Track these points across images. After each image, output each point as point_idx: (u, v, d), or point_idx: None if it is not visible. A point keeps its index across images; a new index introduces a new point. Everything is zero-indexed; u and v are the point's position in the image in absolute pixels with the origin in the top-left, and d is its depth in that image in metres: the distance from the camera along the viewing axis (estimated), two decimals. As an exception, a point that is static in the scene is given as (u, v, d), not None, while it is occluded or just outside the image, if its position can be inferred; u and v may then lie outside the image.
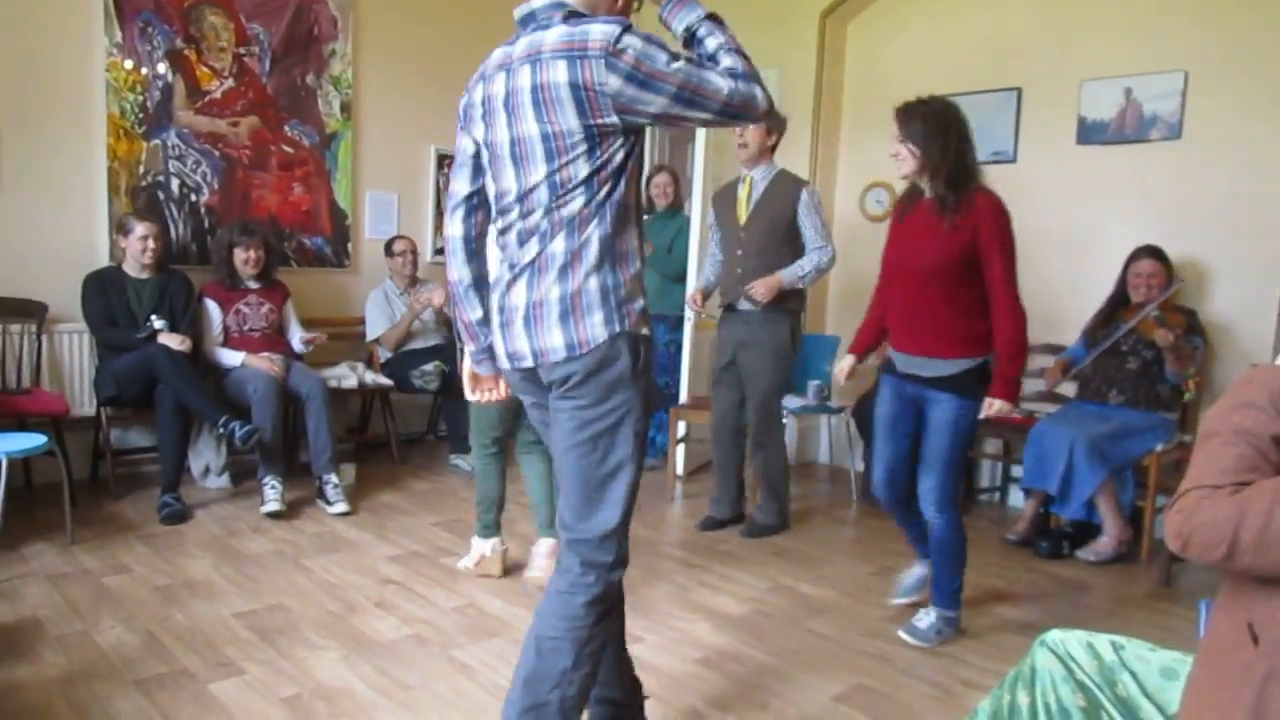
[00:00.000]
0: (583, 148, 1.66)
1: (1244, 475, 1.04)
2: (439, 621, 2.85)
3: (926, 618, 2.88)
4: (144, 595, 2.96)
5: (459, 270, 1.94)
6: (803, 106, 5.12)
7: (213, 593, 3.01)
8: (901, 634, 2.87)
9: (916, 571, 3.16)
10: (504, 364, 1.86)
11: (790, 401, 4.56)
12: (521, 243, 1.75)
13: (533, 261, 1.72)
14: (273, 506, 3.84)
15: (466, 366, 2.08)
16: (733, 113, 1.64)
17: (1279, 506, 0.98)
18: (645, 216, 5.13)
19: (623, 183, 1.71)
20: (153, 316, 4.02)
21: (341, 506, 3.94)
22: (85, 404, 4.21)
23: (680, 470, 4.75)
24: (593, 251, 1.69)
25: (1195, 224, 3.98)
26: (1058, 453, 3.74)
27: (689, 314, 4.67)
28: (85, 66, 4.20)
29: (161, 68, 4.40)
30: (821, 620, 3.00)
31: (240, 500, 4.09)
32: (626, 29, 1.66)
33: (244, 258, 4.27)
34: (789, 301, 3.82)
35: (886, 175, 5.06)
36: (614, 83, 1.60)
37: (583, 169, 1.67)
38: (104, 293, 4.03)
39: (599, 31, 1.64)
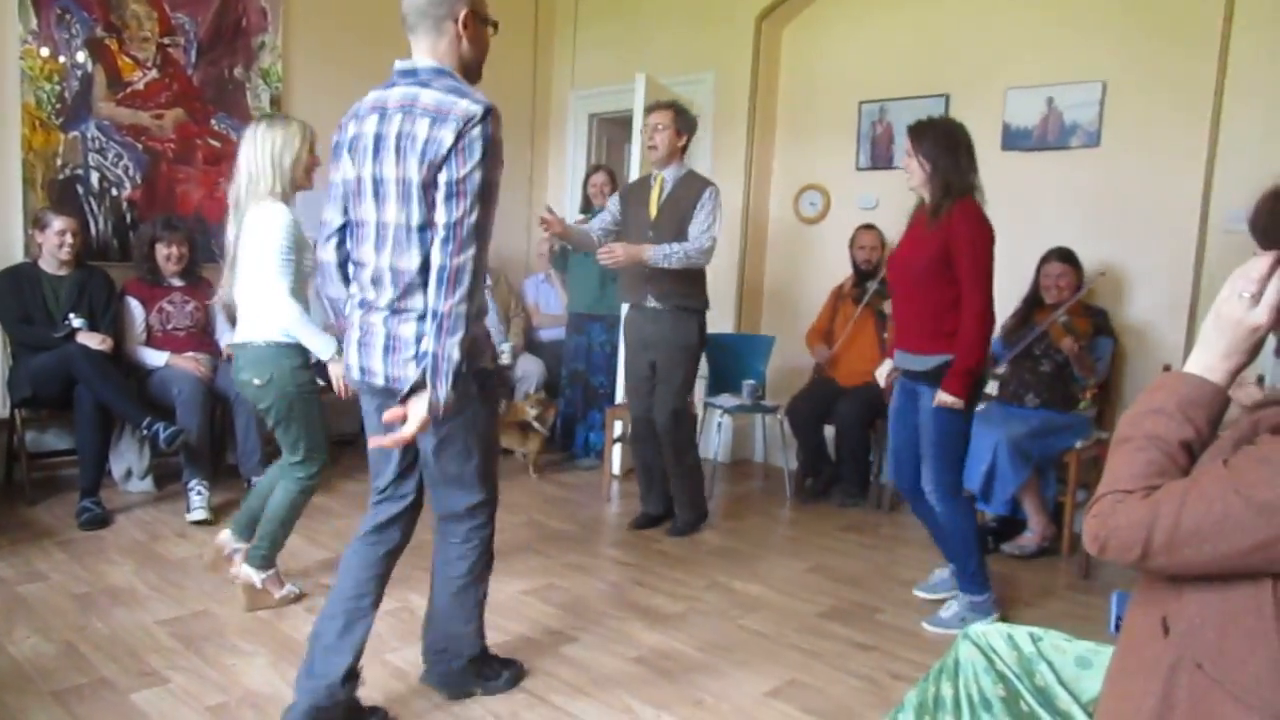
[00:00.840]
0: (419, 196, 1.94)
1: (1154, 479, 1.09)
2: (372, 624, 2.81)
3: (951, 607, 3.07)
4: (61, 603, 2.85)
5: (338, 290, 2.21)
6: (738, 109, 5.17)
7: (135, 600, 2.92)
8: (925, 625, 3.04)
9: (938, 574, 3.38)
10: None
11: (725, 400, 4.61)
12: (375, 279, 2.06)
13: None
14: (199, 515, 3.73)
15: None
16: (461, 234, 1.91)
17: (1185, 509, 1.03)
18: (581, 216, 5.14)
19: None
20: (71, 314, 3.88)
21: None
22: (-2, 405, 4.05)
23: (616, 470, 4.77)
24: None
25: (1113, 228, 4.13)
26: (981, 451, 3.84)
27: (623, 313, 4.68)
28: (-2, 54, 4.03)
29: (80, 56, 4.24)
30: (755, 617, 3.04)
31: (164, 504, 3.98)
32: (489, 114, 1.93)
33: (166, 254, 4.15)
34: (693, 299, 3.84)
35: (820, 178, 5.14)
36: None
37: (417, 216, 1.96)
38: (19, 289, 3.87)
39: (464, 105, 1.91)
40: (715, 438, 4.88)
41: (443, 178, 1.89)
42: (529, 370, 5.22)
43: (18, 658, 2.47)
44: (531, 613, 2.99)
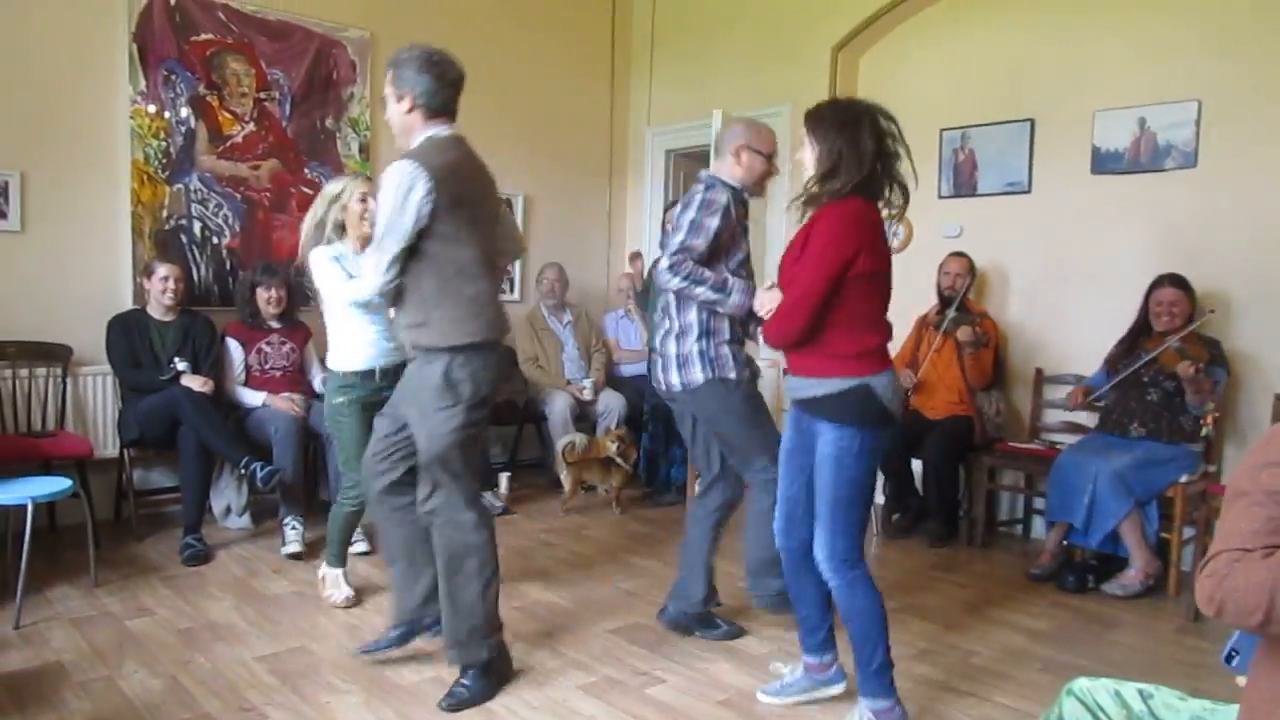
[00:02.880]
0: None
1: (1275, 538, 1.02)
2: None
3: (853, 715, 2.45)
4: (166, 638, 2.97)
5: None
6: (816, 140, 5.15)
7: (234, 635, 3.01)
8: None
9: (789, 672, 2.73)
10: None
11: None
12: None
13: None
14: (294, 548, 3.85)
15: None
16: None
17: None
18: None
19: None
20: (176, 358, 4.07)
21: (362, 546, 3.94)
22: (109, 445, 4.25)
23: (699, 505, 4.73)
24: None
25: (1214, 254, 3.96)
26: (1082, 484, 3.71)
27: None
28: (109, 113, 4.29)
29: (184, 113, 4.48)
30: (845, 658, 2.97)
31: (261, 540, 4.11)
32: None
33: (266, 297, 4.32)
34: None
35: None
36: None
37: None
38: (128, 335, 4.08)
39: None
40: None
41: None
42: (610, 405, 5.25)
43: (127, 692, 2.57)
44: (618, 651, 2.98)
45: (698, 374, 2.87)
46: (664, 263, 2.77)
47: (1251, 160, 3.85)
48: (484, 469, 4.87)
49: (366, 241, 2.90)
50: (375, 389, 3.17)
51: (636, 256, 5.24)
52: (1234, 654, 1.22)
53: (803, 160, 2.42)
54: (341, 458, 3.28)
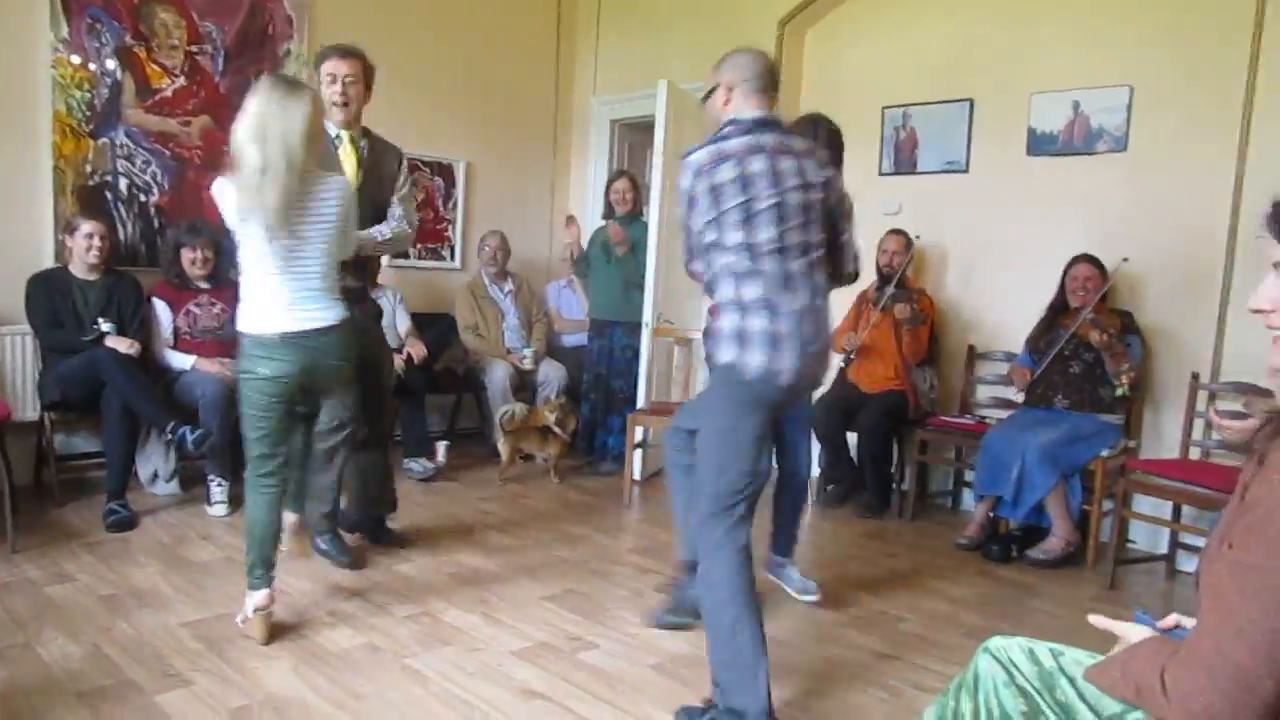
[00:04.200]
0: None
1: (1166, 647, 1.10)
2: (393, 630, 2.83)
3: None
4: (89, 605, 2.89)
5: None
6: (761, 114, 5.16)
7: (160, 602, 2.95)
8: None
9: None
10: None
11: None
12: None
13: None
14: (219, 510, 3.79)
15: None
16: None
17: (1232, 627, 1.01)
18: (604, 222, 5.16)
19: None
20: (100, 319, 3.94)
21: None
22: (28, 408, 4.10)
23: (638, 475, 4.76)
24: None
25: (1140, 234, 4.08)
26: (1010, 459, 3.81)
27: (646, 318, 4.68)
28: (29, 61, 4.10)
29: (110, 64, 4.31)
30: (775, 625, 3.02)
31: (189, 507, 4.02)
32: None
33: (191, 258, 4.19)
34: None
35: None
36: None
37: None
38: (49, 294, 3.93)
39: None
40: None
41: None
42: (550, 375, 5.23)
43: (46, 659, 2.50)
44: (552, 618, 2.99)
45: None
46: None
47: (1178, 145, 3.97)
48: (423, 437, 4.83)
49: None
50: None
51: (571, 221, 5.22)
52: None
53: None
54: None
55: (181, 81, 4.54)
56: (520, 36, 5.97)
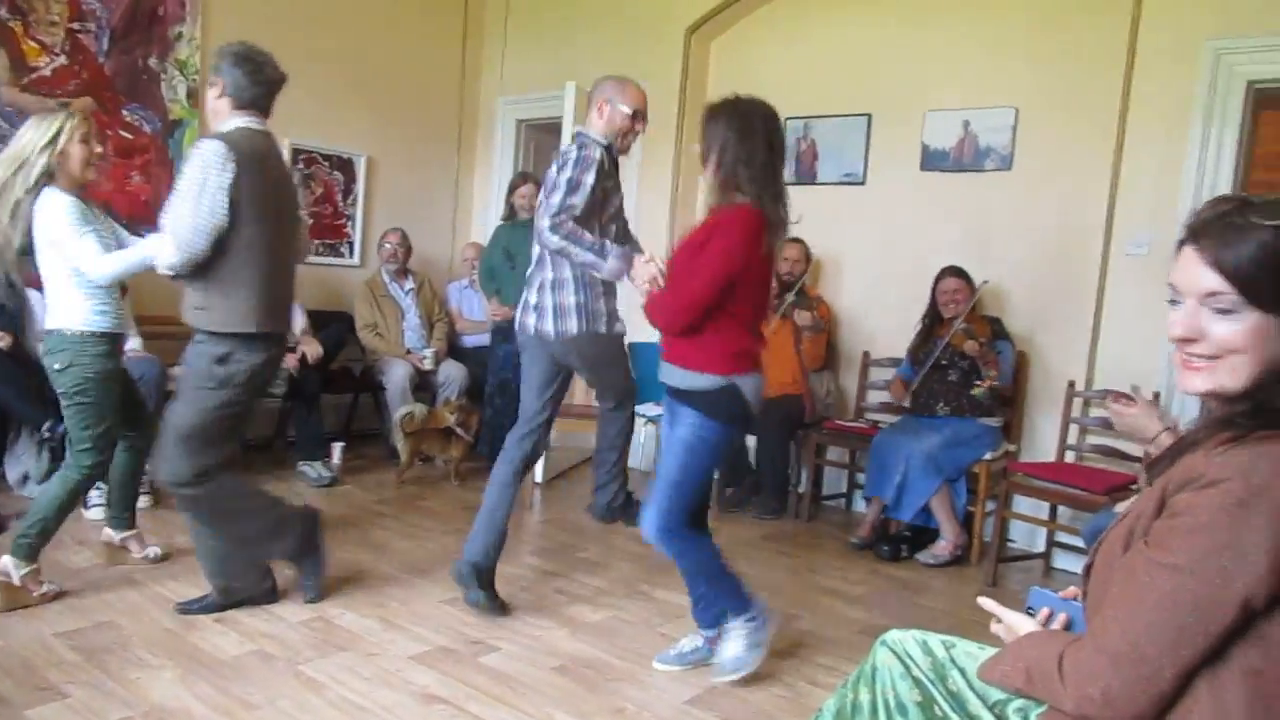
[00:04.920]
0: None
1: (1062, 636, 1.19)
2: (285, 635, 2.74)
3: (726, 648, 2.64)
4: (-51, 615, 2.70)
5: None
6: (667, 121, 5.22)
7: (31, 611, 2.77)
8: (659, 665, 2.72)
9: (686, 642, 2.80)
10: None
11: (647, 409, 4.65)
12: None
13: None
14: (96, 513, 3.59)
15: None
16: None
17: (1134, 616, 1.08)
18: (504, 222, 5.11)
19: None
20: (-35, 310, 3.69)
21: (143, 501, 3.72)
22: (-119, 404, 3.81)
23: (540, 478, 4.74)
24: None
25: (1023, 249, 4.30)
26: (895, 463, 3.97)
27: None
28: (-110, 32, 3.82)
29: (-19, 39, 4.05)
30: (676, 624, 3.06)
31: (63, 510, 3.79)
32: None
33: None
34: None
35: (745, 191, 5.22)
36: None
37: None
38: (-92, 283, 3.66)
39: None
40: (638, 446, 4.90)
41: None
42: (451, 376, 5.16)
43: (-100, 673, 2.33)
44: (452, 622, 2.95)
45: (573, 326, 2.93)
46: (544, 222, 2.75)
47: (1058, 165, 4.21)
48: (318, 438, 4.69)
49: (83, 188, 2.87)
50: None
51: (472, 246, 5.27)
52: (1031, 611, 1.35)
53: (696, 153, 2.54)
54: (95, 431, 2.87)
55: (62, 60, 4.30)
56: (426, 31, 5.88)
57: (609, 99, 2.92)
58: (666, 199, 5.30)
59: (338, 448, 4.82)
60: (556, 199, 2.76)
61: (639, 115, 2.97)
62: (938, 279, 4.18)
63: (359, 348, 5.25)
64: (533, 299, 3.01)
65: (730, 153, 2.45)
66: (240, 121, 2.67)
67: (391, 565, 3.45)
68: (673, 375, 2.56)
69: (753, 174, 2.45)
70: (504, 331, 5.07)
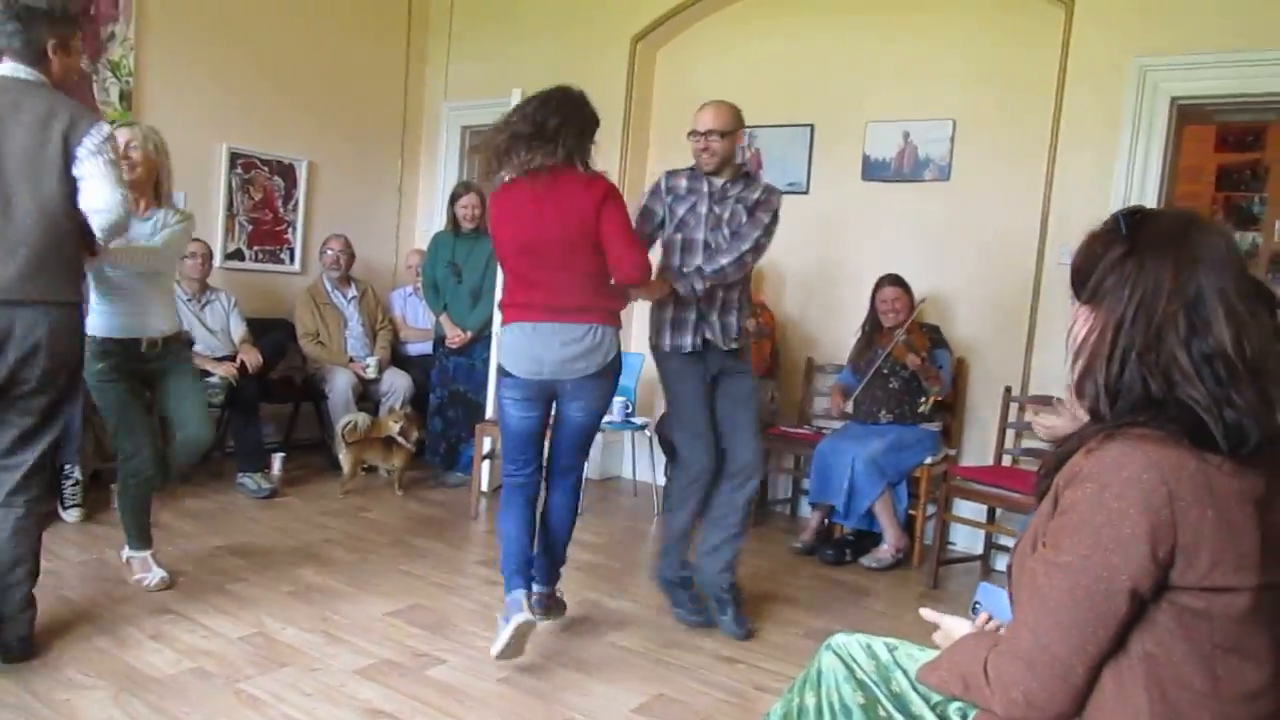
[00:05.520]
0: None
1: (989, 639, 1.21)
2: (224, 652, 2.67)
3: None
4: None
5: None
6: (612, 128, 5.22)
7: (-48, 631, 2.67)
8: None
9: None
10: None
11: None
12: None
13: None
14: (73, 514, 3.59)
15: None
16: None
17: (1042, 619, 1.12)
18: (447, 233, 5.04)
19: None
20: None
21: (75, 514, 3.72)
22: None
23: (485, 486, 4.70)
24: None
25: (960, 257, 4.41)
26: (840, 469, 4.02)
27: (496, 329, 4.63)
28: None
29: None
30: (623, 633, 3.06)
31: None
32: None
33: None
34: None
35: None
36: None
37: None
38: None
39: None
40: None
41: None
42: (395, 384, 5.09)
43: None
44: (397, 634, 2.91)
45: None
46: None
47: (994, 176, 4.32)
48: (258, 449, 4.58)
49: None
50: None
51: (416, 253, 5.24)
52: (977, 605, 1.39)
53: None
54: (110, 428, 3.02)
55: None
56: (369, 35, 5.81)
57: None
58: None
59: (278, 458, 4.73)
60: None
61: (694, 133, 3.15)
62: (876, 287, 4.25)
63: (300, 356, 5.15)
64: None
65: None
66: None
67: (335, 578, 3.39)
68: None
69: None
70: (460, 347, 4.96)
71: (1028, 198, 4.20)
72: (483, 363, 4.88)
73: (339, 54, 5.62)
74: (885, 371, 4.17)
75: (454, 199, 5.02)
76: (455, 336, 4.86)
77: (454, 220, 4.99)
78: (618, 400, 4.61)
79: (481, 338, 4.88)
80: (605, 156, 5.22)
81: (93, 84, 4.52)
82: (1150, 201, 3.90)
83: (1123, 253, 1.17)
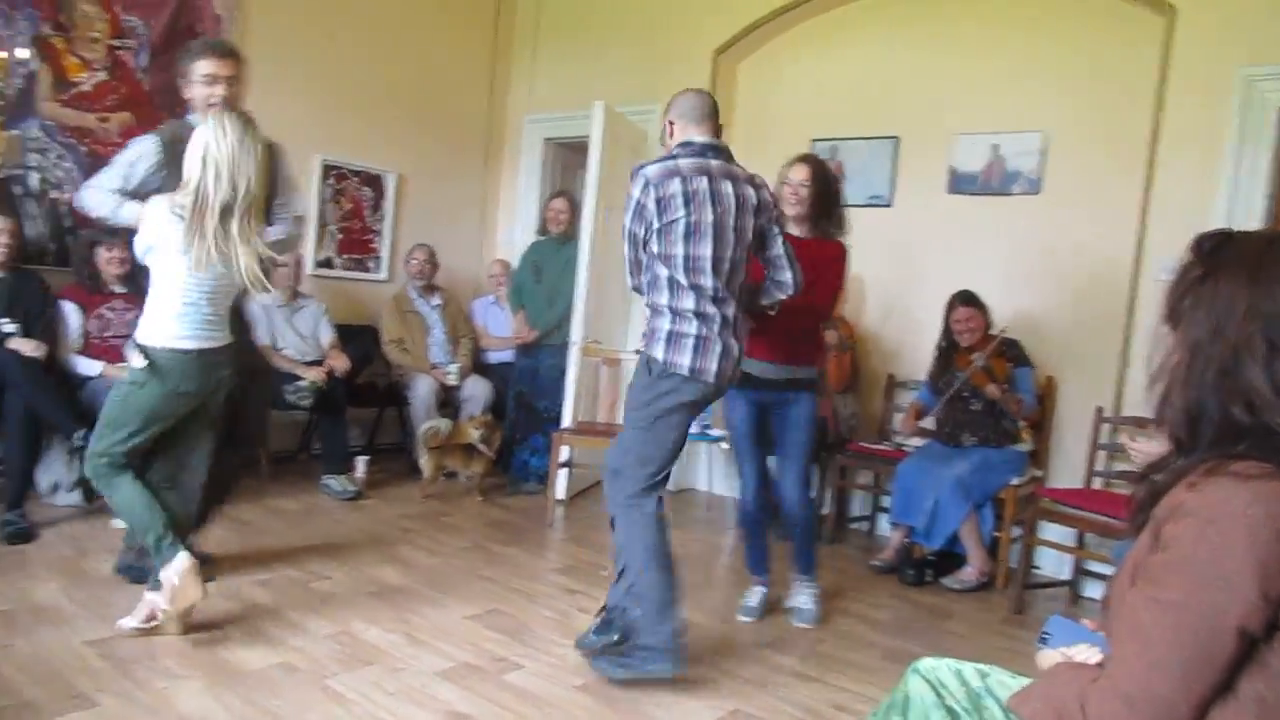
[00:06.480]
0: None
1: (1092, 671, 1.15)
2: (311, 649, 2.75)
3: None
4: (-18, 621, 2.74)
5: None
6: (694, 140, 5.24)
7: (61, 619, 2.81)
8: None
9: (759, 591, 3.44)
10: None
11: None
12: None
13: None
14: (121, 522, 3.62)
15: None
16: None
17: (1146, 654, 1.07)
18: (540, 238, 5.15)
19: None
20: (4, 320, 3.75)
21: (76, 496, 3.89)
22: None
23: (561, 494, 4.75)
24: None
25: (1051, 274, 4.28)
26: (924, 489, 3.94)
27: (574, 338, 4.69)
28: (-63, 48, 3.91)
29: (25, 54, 4.13)
30: (698, 647, 3.05)
31: (94, 519, 3.84)
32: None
33: (108, 258, 4.03)
34: None
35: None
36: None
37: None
38: (-53, 292, 3.72)
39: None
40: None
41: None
42: (476, 392, 5.18)
43: (-66, 678, 2.36)
44: (476, 638, 2.95)
45: None
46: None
47: (1087, 190, 4.19)
48: (343, 452, 4.72)
49: None
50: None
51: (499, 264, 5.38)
52: (1046, 636, 1.35)
53: None
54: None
55: (102, 76, 4.38)
56: (456, 50, 5.95)
57: None
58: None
59: (362, 461, 4.86)
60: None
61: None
62: (950, 307, 4.15)
63: (384, 362, 5.29)
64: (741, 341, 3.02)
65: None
66: None
67: (416, 580, 3.46)
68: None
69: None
70: (527, 348, 5.11)
71: (1122, 211, 4.07)
72: (547, 368, 4.96)
73: (427, 69, 5.77)
74: (965, 394, 4.07)
75: (546, 203, 5.18)
76: (520, 332, 4.97)
77: (544, 222, 5.12)
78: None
79: (550, 343, 4.95)
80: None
81: (197, 98, 4.71)
82: (1256, 218, 3.73)
83: (1200, 274, 1.13)
